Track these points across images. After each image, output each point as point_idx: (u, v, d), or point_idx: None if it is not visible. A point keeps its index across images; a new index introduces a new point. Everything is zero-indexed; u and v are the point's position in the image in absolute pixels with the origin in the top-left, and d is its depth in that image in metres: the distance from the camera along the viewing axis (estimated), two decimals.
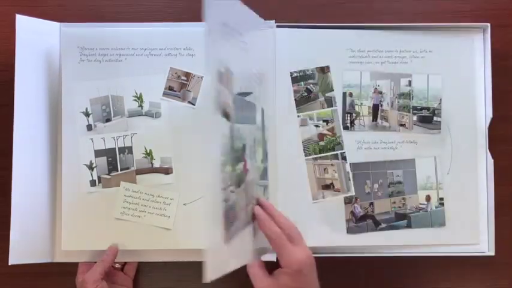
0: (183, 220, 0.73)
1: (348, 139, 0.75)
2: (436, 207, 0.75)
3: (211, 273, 0.52)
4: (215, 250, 0.54)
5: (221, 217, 0.54)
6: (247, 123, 0.63)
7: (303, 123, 0.74)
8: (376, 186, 0.75)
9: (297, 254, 0.59)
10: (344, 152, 0.74)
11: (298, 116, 0.74)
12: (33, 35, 0.73)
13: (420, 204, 0.75)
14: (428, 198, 0.75)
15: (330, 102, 0.75)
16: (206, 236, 0.53)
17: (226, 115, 0.56)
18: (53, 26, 0.74)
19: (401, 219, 0.75)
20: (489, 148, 0.75)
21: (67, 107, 0.73)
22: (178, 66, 0.74)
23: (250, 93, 0.63)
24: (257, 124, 0.66)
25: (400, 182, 0.75)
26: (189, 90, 0.74)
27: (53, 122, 0.74)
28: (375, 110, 0.75)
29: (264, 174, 0.70)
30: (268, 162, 0.71)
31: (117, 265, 0.76)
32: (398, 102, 0.75)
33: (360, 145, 0.75)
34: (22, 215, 0.71)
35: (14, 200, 0.70)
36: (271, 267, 0.63)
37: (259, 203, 0.63)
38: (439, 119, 0.75)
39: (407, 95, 0.75)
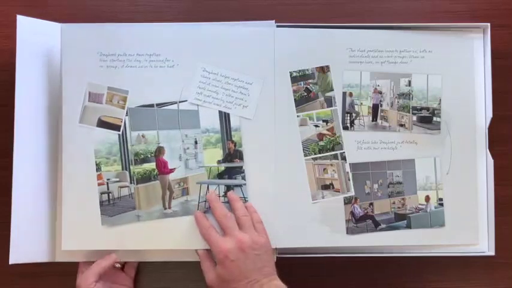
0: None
1: (348, 139, 0.75)
2: (435, 207, 0.75)
3: (67, 243, 0.72)
4: (76, 227, 0.72)
5: (97, 204, 0.72)
6: (173, 129, 0.74)
7: (303, 123, 0.74)
8: (375, 186, 0.75)
9: (222, 243, 0.66)
10: (344, 152, 0.74)
11: (297, 116, 0.74)
12: (34, 35, 0.73)
13: (420, 204, 0.75)
14: (427, 198, 0.75)
15: (329, 102, 0.75)
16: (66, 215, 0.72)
17: (109, 126, 0.73)
18: (54, 26, 0.74)
19: (401, 220, 0.75)
20: (489, 148, 0.75)
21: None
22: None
23: (184, 101, 0.73)
24: (206, 127, 0.74)
25: (399, 182, 0.75)
26: None
27: (54, 122, 0.75)
28: (375, 110, 0.75)
29: (228, 173, 0.74)
30: (247, 162, 0.73)
31: (117, 265, 0.76)
32: (398, 102, 0.75)
33: (360, 145, 0.75)
34: (23, 214, 0.71)
35: (15, 199, 0.70)
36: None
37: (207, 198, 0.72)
38: (438, 119, 0.75)
39: (407, 95, 0.75)
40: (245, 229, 0.68)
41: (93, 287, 0.68)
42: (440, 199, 0.75)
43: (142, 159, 0.74)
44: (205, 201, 0.74)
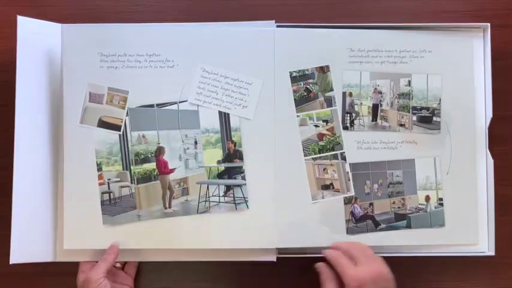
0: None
1: (348, 139, 0.75)
2: (435, 207, 0.75)
3: (68, 242, 0.73)
4: (79, 227, 0.73)
5: (98, 204, 0.73)
6: (173, 129, 0.74)
7: (303, 123, 0.74)
8: (375, 186, 0.75)
9: (355, 272, 0.64)
10: (344, 152, 0.74)
11: (297, 116, 0.74)
12: (35, 36, 0.73)
13: (420, 204, 0.75)
14: (427, 198, 0.75)
15: (329, 102, 0.75)
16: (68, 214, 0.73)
17: (110, 126, 0.73)
18: (54, 27, 0.74)
19: (401, 220, 0.75)
20: (489, 148, 0.75)
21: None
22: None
23: (184, 101, 0.73)
24: (205, 127, 0.74)
25: (399, 182, 0.75)
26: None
27: (55, 122, 0.75)
28: (375, 109, 0.75)
29: (228, 173, 0.74)
30: (247, 163, 0.73)
31: (117, 264, 0.76)
32: (398, 102, 0.75)
33: (360, 145, 0.75)
34: (23, 214, 0.71)
35: (15, 199, 0.70)
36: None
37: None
38: (438, 119, 0.75)
39: (407, 95, 0.75)
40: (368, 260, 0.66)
41: (102, 281, 0.68)
42: (440, 199, 0.75)
43: (142, 159, 0.74)
44: (205, 201, 0.74)
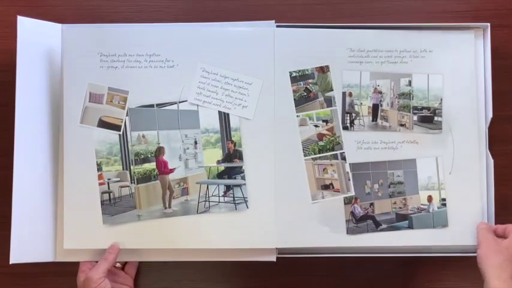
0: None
1: (348, 139, 0.74)
2: (438, 207, 0.74)
3: (68, 242, 0.73)
4: (78, 227, 0.73)
5: (98, 204, 0.73)
6: (173, 129, 0.74)
7: (303, 123, 0.74)
8: (376, 186, 0.75)
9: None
10: (344, 152, 0.74)
11: (297, 116, 0.74)
12: (35, 36, 0.74)
13: (422, 204, 0.75)
14: (430, 198, 0.75)
15: (329, 102, 0.75)
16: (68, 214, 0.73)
17: (110, 126, 0.73)
18: (54, 27, 0.74)
19: (403, 220, 0.75)
20: (489, 148, 0.75)
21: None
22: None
23: (184, 101, 0.74)
24: (205, 127, 0.73)
25: (401, 182, 0.75)
26: None
27: (55, 122, 0.75)
28: (375, 109, 0.75)
29: (227, 173, 0.74)
30: (247, 162, 0.73)
31: (118, 264, 0.76)
32: (398, 102, 0.75)
33: (360, 145, 0.75)
34: (23, 214, 0.71)
35: (15, 199, 0.70)
36: None
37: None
38: (440, 118, 0.75)
39: (408, 95, 0.75)
40: None
41: (102, 281, 0.68)
42: (443, 199, 0.74)
43: (142, 159, 0.74)
44: (205, 201, 0.74)
